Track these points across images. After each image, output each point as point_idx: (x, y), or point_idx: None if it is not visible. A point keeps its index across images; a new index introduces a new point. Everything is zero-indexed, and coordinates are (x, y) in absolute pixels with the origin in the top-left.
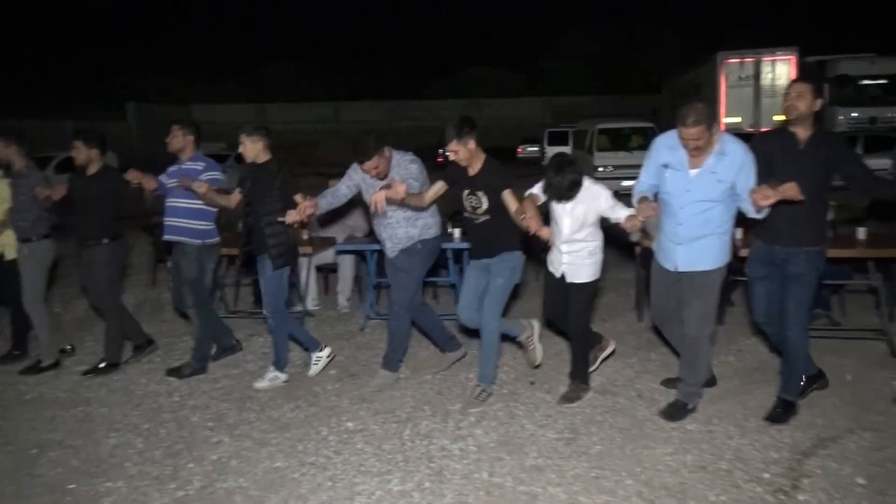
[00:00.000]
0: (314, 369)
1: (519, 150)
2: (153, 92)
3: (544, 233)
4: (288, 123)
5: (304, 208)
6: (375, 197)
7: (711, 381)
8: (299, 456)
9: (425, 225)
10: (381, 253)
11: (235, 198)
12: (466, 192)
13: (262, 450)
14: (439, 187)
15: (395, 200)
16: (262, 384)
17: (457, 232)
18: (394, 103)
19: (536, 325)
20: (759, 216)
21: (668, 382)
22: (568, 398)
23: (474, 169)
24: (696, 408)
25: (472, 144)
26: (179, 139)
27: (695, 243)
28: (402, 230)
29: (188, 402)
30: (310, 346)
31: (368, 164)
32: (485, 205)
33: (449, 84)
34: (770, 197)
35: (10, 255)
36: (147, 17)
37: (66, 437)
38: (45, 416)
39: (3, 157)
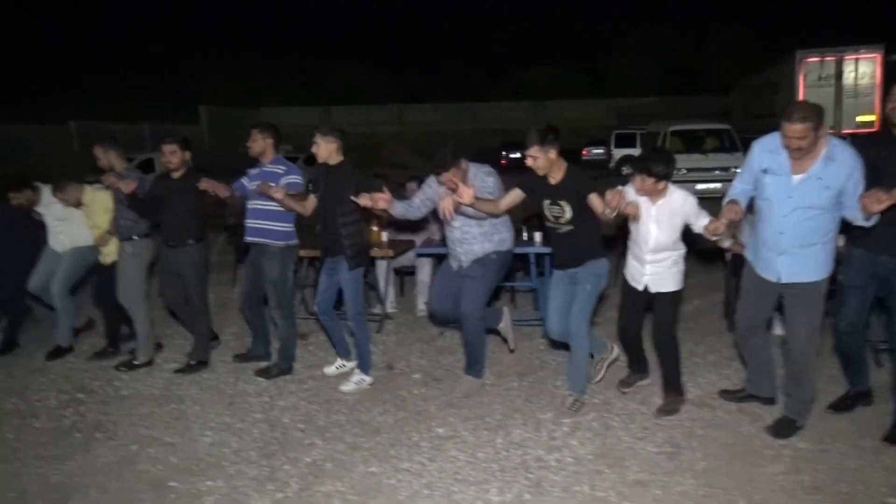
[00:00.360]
0: (331, 371)
1: (584, 151)
2: (222, 95)
3: (631, 209)
4: (352, 125)
5: (377, 198)
6: (444, 204)
7: (772, 399)
8: (393, 461)
9: (501, 240)
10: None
11: (311, 203)
12: (548, 202)
13: (355, 454)
14: (515, 196)
15: (465, 204)
16: (348, 387)
17: (537, 235)
18: (457, 105)
19: (617, 351)
20: (868, 223)
21: (725, 394)
22: (666, 411)
23: (555, 178)
24: (804, 425)
25: (553, 154)
26: (259, 143)
27: (799, 253)
28: (479, 246)
29: (277, 402)
30: (342, 351)
31: (446, 177)
32: (568, 214)
33: (512, 85)
34: (884, 201)
35: (111, 259)
36: (215, 21)
37: (163, 434)
38: (141, 412)
39: (106, 164)
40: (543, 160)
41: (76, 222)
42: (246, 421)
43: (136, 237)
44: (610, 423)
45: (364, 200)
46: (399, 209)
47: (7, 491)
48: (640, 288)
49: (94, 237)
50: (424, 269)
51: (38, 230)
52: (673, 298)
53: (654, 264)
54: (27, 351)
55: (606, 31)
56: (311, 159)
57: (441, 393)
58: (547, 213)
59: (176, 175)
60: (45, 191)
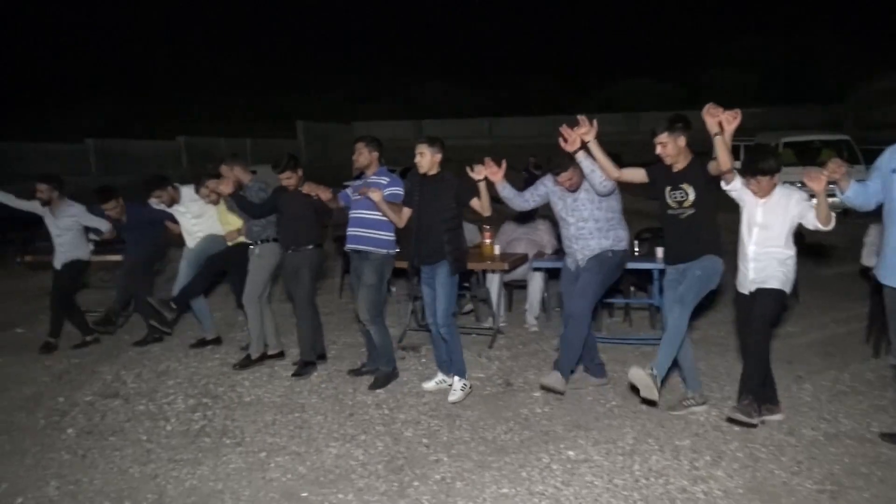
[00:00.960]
0: (431, 386)
1: None
2: (317, 111)
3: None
4: (443, 138)
5: (491, 167)
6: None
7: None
8: (525, 484)
9: (617, 237)
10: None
11: (406, 215)
12: (669, 188)
13: (484, 473)
14: (638, 172)
15: (585, 139)
16: (455, 396)
17: (660, 251)
18: (547, 118)
19: (704, 407)
20: None
21: (887, 437)
22: (740, 410)
23: (680, 166)
24: None
25: (682, 141)
26: (366, 156)
27: None
28: (595, 241)
29: (397, 415)
30: (443, 367)
31: (563, 177)
32: (691, 196)
33: (605, 97)
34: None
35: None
36: (313, 41)
37: (289, 443)
38: (265, 419)
39: (234, 180)
40: (672, 146)
41: (211, 218)
42: (369, 433)
43: (263, 241)
44: (757, 454)
45: (478, 173)
46: (508, 191)
47: (146, 492)
48: (749, 292)
49: (224, 232)
50: (535, 284)
51: (165, 234)
52: (775, 295)
53: (757, 261)
54: (153, 354)
55: (702, 41)
56: (404, 172)
57: (566, 413)
58: (669, 199)
59: (292, 189)
60: (185, 191)
